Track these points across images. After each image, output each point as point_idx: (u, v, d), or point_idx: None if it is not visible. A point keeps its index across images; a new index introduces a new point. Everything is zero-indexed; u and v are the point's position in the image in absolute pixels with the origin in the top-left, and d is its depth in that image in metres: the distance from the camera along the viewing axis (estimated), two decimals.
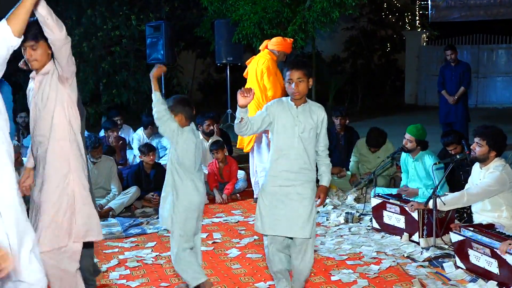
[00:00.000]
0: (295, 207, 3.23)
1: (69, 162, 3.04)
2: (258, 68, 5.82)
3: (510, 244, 3.55)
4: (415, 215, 4.54)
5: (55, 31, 2.76)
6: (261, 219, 3.29)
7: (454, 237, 4.04)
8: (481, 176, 4.29)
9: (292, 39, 6.30)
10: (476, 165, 4.41)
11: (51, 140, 3.01)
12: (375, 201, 5.04)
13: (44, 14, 2.67)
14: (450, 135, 5.62)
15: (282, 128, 3.25)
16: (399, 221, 4.75)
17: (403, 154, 5.45)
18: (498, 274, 3.65)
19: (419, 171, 5.27)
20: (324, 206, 5.69)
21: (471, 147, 4.31)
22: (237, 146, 6.34)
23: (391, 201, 4.88)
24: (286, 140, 3.24)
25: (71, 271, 3.08)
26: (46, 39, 2.89)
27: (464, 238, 3.93)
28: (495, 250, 3.63)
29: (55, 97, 3.00)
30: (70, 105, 3.05)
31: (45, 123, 3.02)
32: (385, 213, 4.91)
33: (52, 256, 3.01)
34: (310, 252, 3.33)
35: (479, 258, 3.80)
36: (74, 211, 3.04)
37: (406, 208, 4.63)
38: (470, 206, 4.50)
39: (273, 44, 5.95)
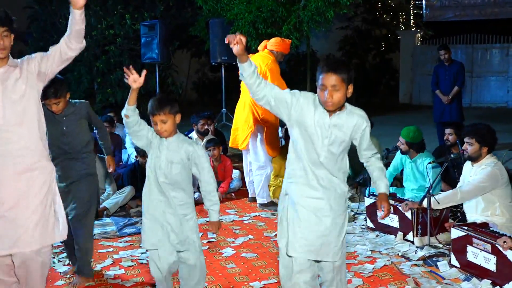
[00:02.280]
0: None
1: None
2: (260, 69, 5.78)
3: (504, 242, 3.56)
4: (408, 214, 4.55)
5: (83, 41, 3.02)
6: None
7: (455, 233, 4.02)
8: (472, 172, 4.29)
9: (290, 40, 6.27)
10: (467, 163, 4.41)
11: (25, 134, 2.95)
12: (368, 201, 5.05)
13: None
14: (453, 123, 5.77)
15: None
16: (393, 221, 4.76)
17: (401, 154, 5.45)
18: (495, 271, 3.66)
19: (415, 172, 5.28)
20: None
21: (463, 147, 4.32)
22: (230, 145, 6.25)
23: None
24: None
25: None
26: (13, 29, 2.90)
27: (466, 233, 3.92)
28: (496, 246, 3.63)
29: (29, 92, 2.96)
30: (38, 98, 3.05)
31: (16, 116, 2.92)
32: (378, 212, 4.90)
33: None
34: None
35: (477, 255, 3.80)
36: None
37: (399, 208, 4.64)
38: (463, 205, 4.52)
39: (272, 45, 5.93)
